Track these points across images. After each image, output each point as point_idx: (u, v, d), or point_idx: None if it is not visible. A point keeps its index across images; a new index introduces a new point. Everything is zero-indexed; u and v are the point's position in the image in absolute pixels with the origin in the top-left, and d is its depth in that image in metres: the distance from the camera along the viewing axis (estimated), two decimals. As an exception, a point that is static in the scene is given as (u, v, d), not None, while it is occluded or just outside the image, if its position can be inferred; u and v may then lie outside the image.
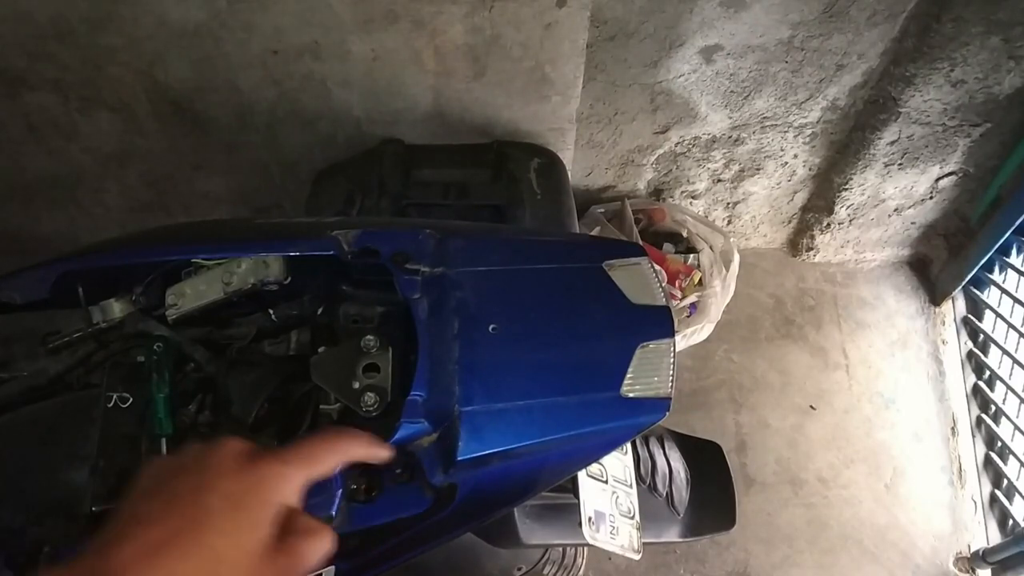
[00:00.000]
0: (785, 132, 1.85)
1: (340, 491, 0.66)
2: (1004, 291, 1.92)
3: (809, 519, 1.83)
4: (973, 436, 1.95)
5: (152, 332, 0.78)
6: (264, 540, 0.45)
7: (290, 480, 0.48)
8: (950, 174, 1.92)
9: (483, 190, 1.35)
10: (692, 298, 1.85)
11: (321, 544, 0.49)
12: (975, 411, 1.98)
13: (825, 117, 1.81)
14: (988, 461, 1.90)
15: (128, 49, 1.27)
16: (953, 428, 1.99)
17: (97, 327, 0.78)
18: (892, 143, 1.80)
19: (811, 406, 2.01)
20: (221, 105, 1.39)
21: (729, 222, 2.20)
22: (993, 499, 1.85)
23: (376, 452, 0.56)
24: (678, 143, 1.86)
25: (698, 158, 1.92)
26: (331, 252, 0.78)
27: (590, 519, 0.84)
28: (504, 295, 0.78)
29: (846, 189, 1.96)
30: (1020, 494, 1.75)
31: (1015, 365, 1.83)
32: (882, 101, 1.72)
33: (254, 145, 1.49)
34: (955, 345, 2.10)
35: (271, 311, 0.82)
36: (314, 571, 0.53)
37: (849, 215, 2.07)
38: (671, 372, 0.75)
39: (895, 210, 2.07)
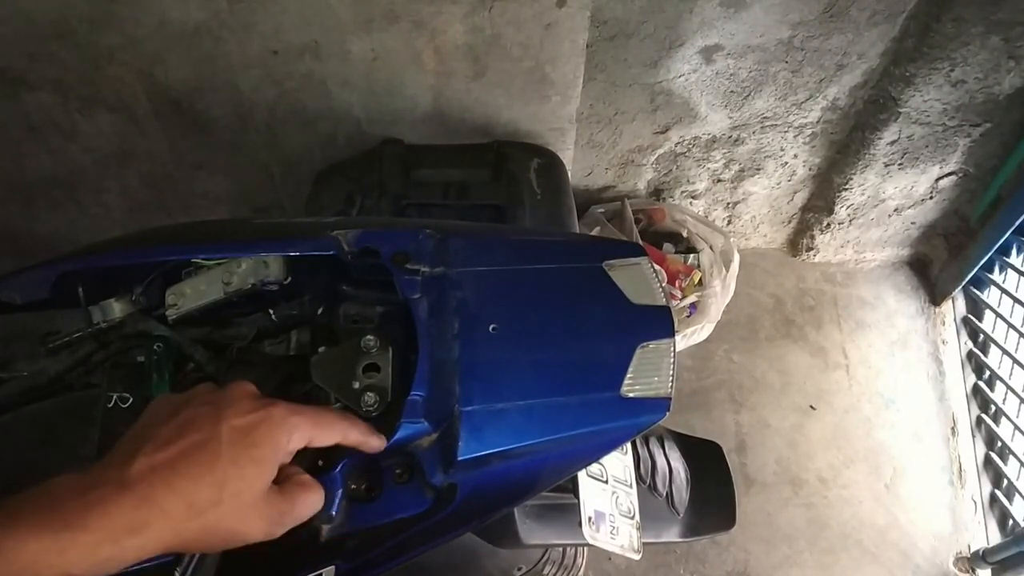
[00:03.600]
0: (785, 132, 1.85)
1: (340, 491, 0.66)
2: (1004, 291, 1.92)
3: (809, 519, 1.83)
4: (973, 436, 1.95)
5: (152, 332, 0.78)
6: (266, 478, 0.49)
7: (296, 427, 0.51)
8: (950, 174, 1.92)
9: (483, 190, 1.35)
10: (692, 298, 1.85)
11: (315, 498, 0.54)
12: (975, 411, 1.98)
13: (825, 117, 1.81)
14: (988, 461, 1.90)
15: (128, 49, 1.27)
16: (953, 428, 1.99)
17: (97, 327, 0.78)
18: (892, 143, 1.80)
19: (811, 406, 2.01)
20: (221, 105, 1.39)
21: (729, 222, 2.20)
22: (993, 499, 1.85)
23: (370, 441, 0.60)
24: (678, 143, 1.86)
25: (698, 158, 1.92)
26: (331, 252, 0.78)
27: (590, 519, 0.84)
28: (504, 295, 0.78)
29: (846, 189, 1.96)
30: (1020, 494, 1.75)
31: (1015, 365, 1.84)
32: (882, 101, 1.72)
33: (254, 145, 1.49)
34: (955, 345, 2.10)
35: (271, 311, 0.82)
36: (303, 519, 0.53)
37: (849, 215, 2.07)
38: (671, 372, 0.75)
39: (895, 210, 2.07)
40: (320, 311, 0.82)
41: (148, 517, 0.44)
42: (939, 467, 1.93)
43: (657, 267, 0.96)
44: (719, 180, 2.01)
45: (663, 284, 1.58)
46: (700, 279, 1.89)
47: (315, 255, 0.79)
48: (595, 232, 1.87)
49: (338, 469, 0.66)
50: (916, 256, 2.27)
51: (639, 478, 1.00)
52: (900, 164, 1.87)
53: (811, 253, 2.25)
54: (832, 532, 1.82)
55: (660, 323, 0.78)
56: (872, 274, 2.28)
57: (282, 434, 0.50)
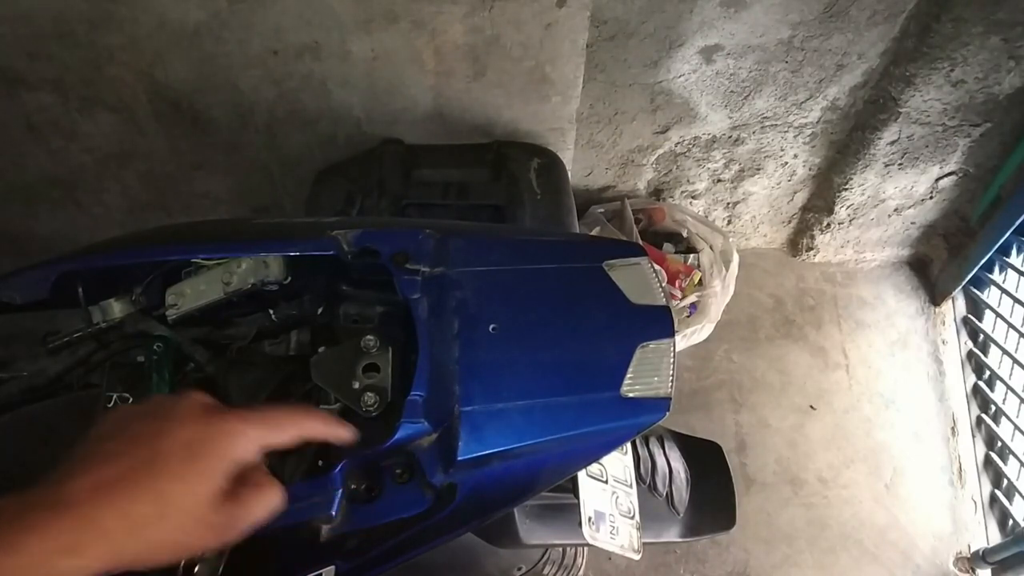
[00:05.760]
0: (785, 132, 1.85)
1: (340, 491, 0.66)
2: (1004, 291, 1.92)
3: (809, 519, 1.83)
4: (973, 436, 1.95)
5: (152, 332, 0.78)
6: (214, 489, 0.48)
7: (247, 438, 0.50)
8: (950, 174, 1.92)
9: (483, 190, 1.35)
10: (692, 298, 1.85)
11: (270, 499, 0.51)
12: (975, 411, 1.98)
13: (825, 117, 1.81)
14: (988, 461, 1.90)
15: (128, 49, 1.27)
16: (953, 428, 1.99)
17: (97, 327, 0.78)
18: (892, 143, 1.80)
19: (811, 406, 2.01)
20: (221, 105, 1.39)
21: (729, 222, 2.20)
22: (993, 499, 1.85)
23: (336, 432, 0.58)
24: (678, 143, 1.86)
25: (698, 158, 1.92)
26: (331, 252, 0.78)
27: (590, 519, 0.84)
28: (504, 295, 0.78)
29: (846, 189, 1.96)
30: (1020, 494, 1.75)
31: (1015, 365, 1.83)
32: (882, 101, 1.72)
33: (254, 145, 1.49)
34: (955, 345, 2.10)
35: (271, 311, 0.82)
36: (258, 522, 0.52)
37: (849, 215, 2.07)
38: (671, 372, 0.75)
39: (895, 210, 2.07)
40: (320, 311, 0.82)
41: (86, 538, 0.42)
42: (939, 467, 1.93)
43: (657, 267, 0.96)
44: (719, 180, 2.01)
45: (663, 284, 1.58)
46: (700, 279, 1.89)
47: (315, 255, 0.79)
48: (595, 232, 1.87)
49: (338, 469, 0.66)
50: (916, 256, 2.27)
51: (639, 478, 1.00)
52: (900, 164, 1.87)
53: (811, 253, 2.25)
54: (832, 532, 1.82)
55: (660, 323, 0.78)
56: (872, 274, 2.28)
57: (230, 447, 0.49)
